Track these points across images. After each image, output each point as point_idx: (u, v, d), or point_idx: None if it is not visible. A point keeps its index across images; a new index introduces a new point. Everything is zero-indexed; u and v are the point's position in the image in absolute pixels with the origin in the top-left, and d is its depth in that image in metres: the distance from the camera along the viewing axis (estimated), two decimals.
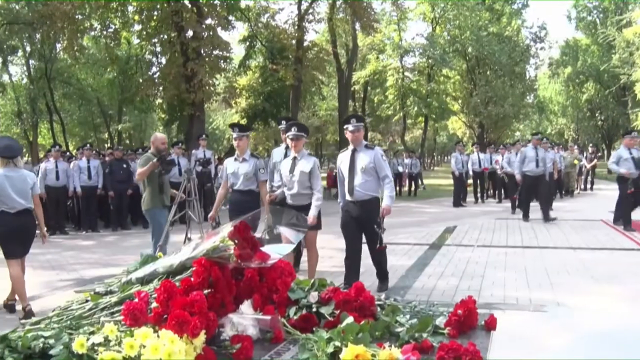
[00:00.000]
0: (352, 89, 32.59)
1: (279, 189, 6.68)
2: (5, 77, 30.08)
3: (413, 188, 22.82)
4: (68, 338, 1.71)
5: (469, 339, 2.01)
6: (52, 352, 1.67)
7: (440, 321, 2.16)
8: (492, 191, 19.10)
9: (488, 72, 35.16)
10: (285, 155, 6.86)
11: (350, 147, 6.23)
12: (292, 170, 6.25)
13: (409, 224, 12.78)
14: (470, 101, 34.23)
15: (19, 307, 5.95)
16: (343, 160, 6.30)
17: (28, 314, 5.46)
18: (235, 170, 6.70)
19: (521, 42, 35.99)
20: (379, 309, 2.31)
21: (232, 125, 6.90)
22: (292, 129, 6.21)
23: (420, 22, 37.32)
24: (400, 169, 22.55)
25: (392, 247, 9.44)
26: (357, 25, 24.79)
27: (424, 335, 1.99)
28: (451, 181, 18.42)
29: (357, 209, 6.15)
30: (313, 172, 6.29)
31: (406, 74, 34.74)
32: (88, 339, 1.66)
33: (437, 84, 34.57)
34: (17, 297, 5.93)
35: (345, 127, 6.21)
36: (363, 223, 6.16)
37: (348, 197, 6.20)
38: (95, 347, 1.64)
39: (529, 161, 12.37)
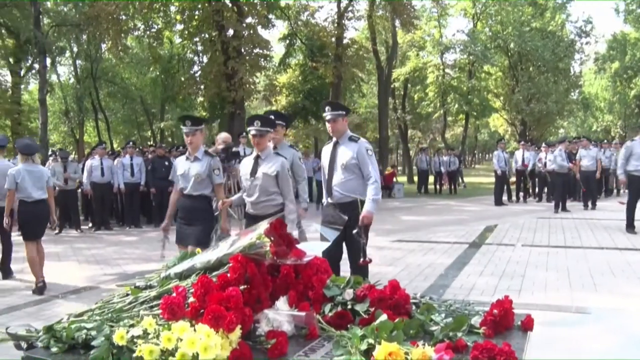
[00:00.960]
0: (392, 86, 32.37)
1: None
2: (54, 77, 30.93)
3: (453, 186, 22.59)
4: (109, 330, 1.77)
5: (504, 339, 1.99)
6: (93, 343, 1.73)
7: (476, 320, 2.14)
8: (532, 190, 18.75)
9: (531, 68, 34.44)
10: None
11: (333, 140, 5.28)
12: (253, 173, 5.10)
13: (448, 222, 12.66)
14: (512, 98, 33.61)
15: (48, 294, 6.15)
16: (325, 154, 5.38)
17: (40, 289, 6.58)
18: (185, 171, 5.53)
19: (565, 37, 35.12)
20: (414, 307, 2.31)
21: (183, 118, 5.74)
22: (255, 123, 4.98)
23: (461, 18, 36.87)
24: (443, 169, 22.37)
25: (432, 245, 9.42)
26: (397, 22, 24.64)
27: (459, 334, 1.98)
28: (492, 179, 18.16)
29: (336, 213, 5.10)
30: (281, 175, 5.07)
31: (447, 70, 34.30)
32: (128, 332, 1.72)
33: (478, 81, 34.01)
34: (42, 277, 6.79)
35: (323, 115, 5.24)
36: (342, 230, 4.94)
37: (327, 199, 5.30)
38: (135, 340, 1.69)
39: (636, 158, 10.01)
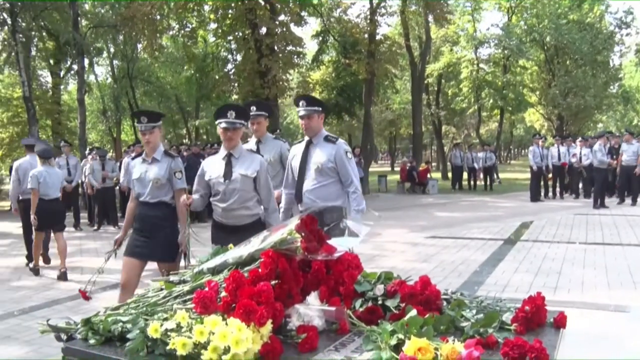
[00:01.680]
0: (426, 81, 32.11)
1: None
2: (92, 78, 31.56)
3: (488, 182, 22.33)
4: (144, 323, 1.82)
5: (536, 336, 1.97)
6: (129, 335, 1.79)
7: (507, 317, 2.12)
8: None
9: (568, 62, 33.73)
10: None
11: (306, 138, 4.67)
12: (228, 175, 4.21)
13: (483, 219, 12.54)
14: (549, 92, 32.97)
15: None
16: (296, 154, 4.68)
17: (34, 271, 7.82)
18: (142, 175, 4.67)
19: (604, 29, 34.24)
20: (445, 303, 2.30)
21: (138, 114, 4.81)
22: (228, 114, 4.16)
23: (496, 12, 36.23)
24: (477, 165, 22.12)
25: (466, 241, 9.35)
26: (430, 18, 24.44)
27: (490, 330, 1.97)
28: (528, 175, 17.91)
29: None
30: (261, 177, 4.25)
31: (481, 65, 33.85)
32: (162, 325, 1.76)
33: (514, 75, 33.45)
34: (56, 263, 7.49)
35: (297, 110, 4.64)
36: None
37: (296, 205, 4.66)
38: (168, 333, 1.73)
39: None
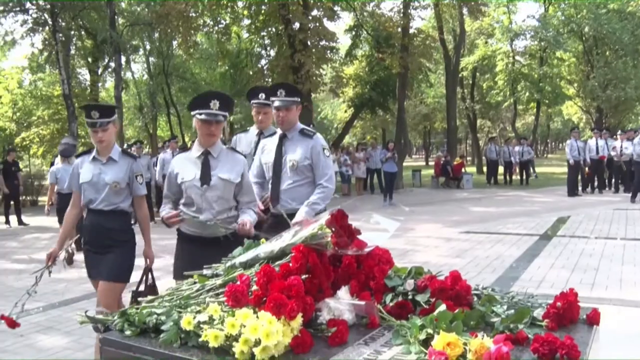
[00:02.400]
0: (460, 75, 31.79)
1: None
2: (129, 75, 32.12)
3: (524, 176, 22.00)
4: (177, 316, 1.86)
5: (568, 332, 1.96)
6: (163, 327, 1.84)
7: (539, 313, 2.11)
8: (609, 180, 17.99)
9: (607, 53, 32.92)
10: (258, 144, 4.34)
11: (278, 131, 4.11)
12: (205, 179, 3.51)
13: (518, 214, 12.37)
14: (587, 84, 32.25)
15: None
16: (266, 147, 4.13)
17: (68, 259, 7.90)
18: (93, 177, 3.89)
19: None
20: (475, 298, 2.30)
21: (88, 108, 3.92)
22: (211, 104, 3.43)
23: (532, 3, 35.68)
24: (513, 159, 21.82)
25: (500, 237, 9.25)
26: (465, 10, 24.20)
27: (520, 326, 1.96)
28: (565, 169, 17.59)
29: (282, 227, 3.17)
30: (245, 181, 3.65)
31: (517, 58, 33.31)
32: (194, 317, 1.80)
33: (550, 68, 32.80)
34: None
35: (271, 100, 4.05)
36: None
37: (270, 209, 4.01)
38: (201, 325, 1.77)
39: None
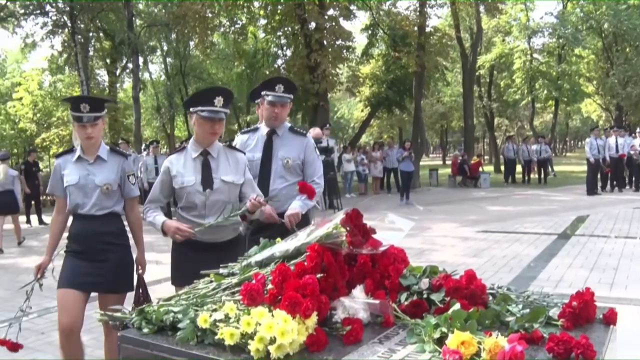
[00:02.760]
0: (477, 73, 31.61)
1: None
2: (146, 75, 32.43)
3: (543, 175, 21.82)
4: (194, 314, 1.89)
5: (584, 332, 1.95)
6: (180, 325, 1.86)
7: (554, 312, 2.10)
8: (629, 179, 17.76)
9: (627, 49, 32.53)
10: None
11: (263, 127, 3.92)
12: (207, 182, 3.25)
13: (536, 213, 12.28)
14: (607, 82, 31.90)
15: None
16: (253, 146, 3.89)
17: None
18: (80, 179, 3.43)
19: None
20: (491, 297, 2.30)
21: (77, 101, 3.45)
22: (215, 101, 3.14)
23: (549, 0, 35.32)
24: (531, 158, 21.65)
25: (518, 236, 9.19)
26: (482, 8, 24.06)
27: (535, 325, 1.96)
28: (584, 167, 17.42)
29: (274, 230, 3.36)
30: (247, 179, 3.39)
31: (534, 55, 33.05)
32: (211, 316, 1.83)
33: (569, 65, 32.50)
34: None
35: (263, 94, 3.83)
36: None
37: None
38: (217, 323, 1.80)
39: None
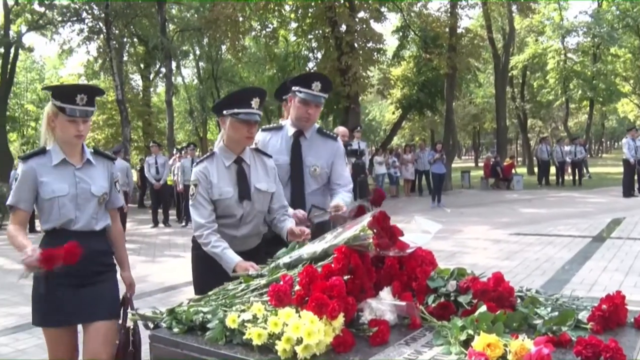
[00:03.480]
0: (510, 74, 31.21)
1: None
2: (179, 80, 32.90)
3: (577, 177, 21.43)
4: (223, 314, 1.93)
5: (615, 336, 1.93)
6: (209, 325, 1.91)
7: (584, 315, 2.08)
8: None
9: None
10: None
11: (288, 126, 3.52)
12: (244, 193, 2.98)
13: (571, 215, 12.08)
14: None
15: None
16: (278, 147, 3.47)
17: None
18: (71, 188, 2.80)
19: None
20: (519, 300, 2.29)
21: (70, 89, 2.89)
22: (252, 103, 2.91)
23: None
24: (565, 159, 21.30)
25: (551, 238, 9.06)
26: (514, 8, 23.75)
27: (564, 328, 1.94)
28: (621, 169, 17.05)
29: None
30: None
31: (569, 55, 32.50)
32: (239, 316, 1.87)
33: (604, 64, 31.88)
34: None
35: (295, 90, 3.40)
36: None
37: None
38: (245, 323, 1.83)
39: None
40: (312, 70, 24.25)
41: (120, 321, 2.89)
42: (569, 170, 21.70)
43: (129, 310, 2.90)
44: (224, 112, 2.91)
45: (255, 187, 3.00)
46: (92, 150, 2.95)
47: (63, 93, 2.77)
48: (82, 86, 3.00)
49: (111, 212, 3.00)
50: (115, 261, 3.01)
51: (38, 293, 2.75)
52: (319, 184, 3.48)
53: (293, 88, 3.38)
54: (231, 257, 2.78)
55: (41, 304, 2.75)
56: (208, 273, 2.90)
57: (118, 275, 2.99)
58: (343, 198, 3.34)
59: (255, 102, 2.89)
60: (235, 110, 2.87)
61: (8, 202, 2.76)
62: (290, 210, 3.19)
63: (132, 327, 2.87)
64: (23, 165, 2.78)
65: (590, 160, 28.53)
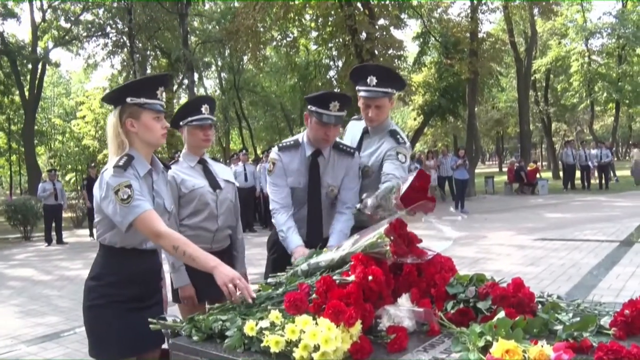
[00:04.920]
0: (533, 78, 30.94)
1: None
2: (202, 90, 33.20)
3: (603, 180, 21.11)
4: (241, 322, 1.95)
5: (638, 342, 1.90)
6: (227, 333, 1.92)
7: (606, 321, 2.05)
8: None
9: None
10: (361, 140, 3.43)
11: (306, 144, 3.30)
12: (214, 183, 3.35)
13: (597, 219, 11.90)
14: None
15: None
16: (296, 169, 3.28)
17: None
18: (150, 198, 2.52)
19: None
20: (540, 306, 2.27)
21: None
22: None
23: (608, 0, 34.28)
24: (591, 163, 21.00)
25: (577, 243, 8.93)
26: (536, 11, 23.57)
27: (585, 334, 1.92)
28: None
29: None
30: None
31: (593, 57, 32.11)
32: (257, 324, 1.88)
33: (630, 66, 31.39)
34: None
35: (312, 110, 3.15)
36: None
37: (297, 243, 3.03)
38: (263, 331, 1.85)
39: None
40: (333, 78, 24.33)
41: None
42: (595, 173, 21.40)
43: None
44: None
45: (224, 179, 3.37)
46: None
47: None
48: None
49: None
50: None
51: (106, 322, 2.42)
52: (332, 203, 3.31)
53: (310, 108, 3.18)
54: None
55: (124, 330, 2.41)
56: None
57: None
58: (339, 235, 3.10)
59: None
60: (192, 117, 3.22)
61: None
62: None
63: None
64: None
65: (617, 164, 28.09)
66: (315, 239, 3.08)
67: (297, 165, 3.26)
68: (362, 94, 3.17)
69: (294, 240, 2.95)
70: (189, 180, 3.20)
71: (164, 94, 2.60)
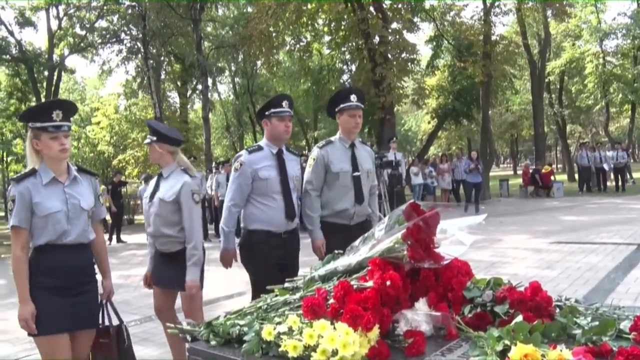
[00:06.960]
0: (547, 80, 30.74)
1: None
2: (215, 96, 33.40)
3: (620, 183, 20.91)
4: (259, 327, 1.96)
5: None
6: (245, 338, 1.93)
7: (625, 325, 2.04)
8: None
9: None
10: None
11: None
12: (151, 197, 3.91)
13: (613, 222, 11.78)
14: None
15: None
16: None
17: None
18: (62, 204, 2.97)
19: None
20: (558, 310, 2.25)
21: (46, 106, 3.25)
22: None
23: (622, 0, 33.98)
24: (606, 166, 20.81)
25: (594, 246, 8.86)
26: (549, 12, 23.41)
27: (604, 338, 1.91)
28: None
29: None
30: (182, 198, 3.79)
31: (607, 58, 31.82)
32: (275, 329, 1.89)
33: None
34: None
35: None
36: None
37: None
38: (281, 336, 1.85)
39: None
40: (346, 82, 24.35)
41: (101, 323, 3.30)
42: (611, 176, 21.21)
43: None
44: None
45: (158, 197, 3.86)
46: (77, 168, 3.15)
47: (38, 113, 2.95)
48: (55, 102, 3.22)
49: (94, 225, 3.22)
50: (95, 272, 3.23)
51: (37, 303, 2.90)
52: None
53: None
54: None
55: (42, 312, 2.90)
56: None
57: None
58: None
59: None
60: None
61: (12, 224, 2.91)
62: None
63: (119, 325, 3.39)
64: (17, 186, 2.92)
65: (634, 165, 27.81)
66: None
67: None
68: (348, 107, 4.08)
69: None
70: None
71: (60, 115, 2.90)
